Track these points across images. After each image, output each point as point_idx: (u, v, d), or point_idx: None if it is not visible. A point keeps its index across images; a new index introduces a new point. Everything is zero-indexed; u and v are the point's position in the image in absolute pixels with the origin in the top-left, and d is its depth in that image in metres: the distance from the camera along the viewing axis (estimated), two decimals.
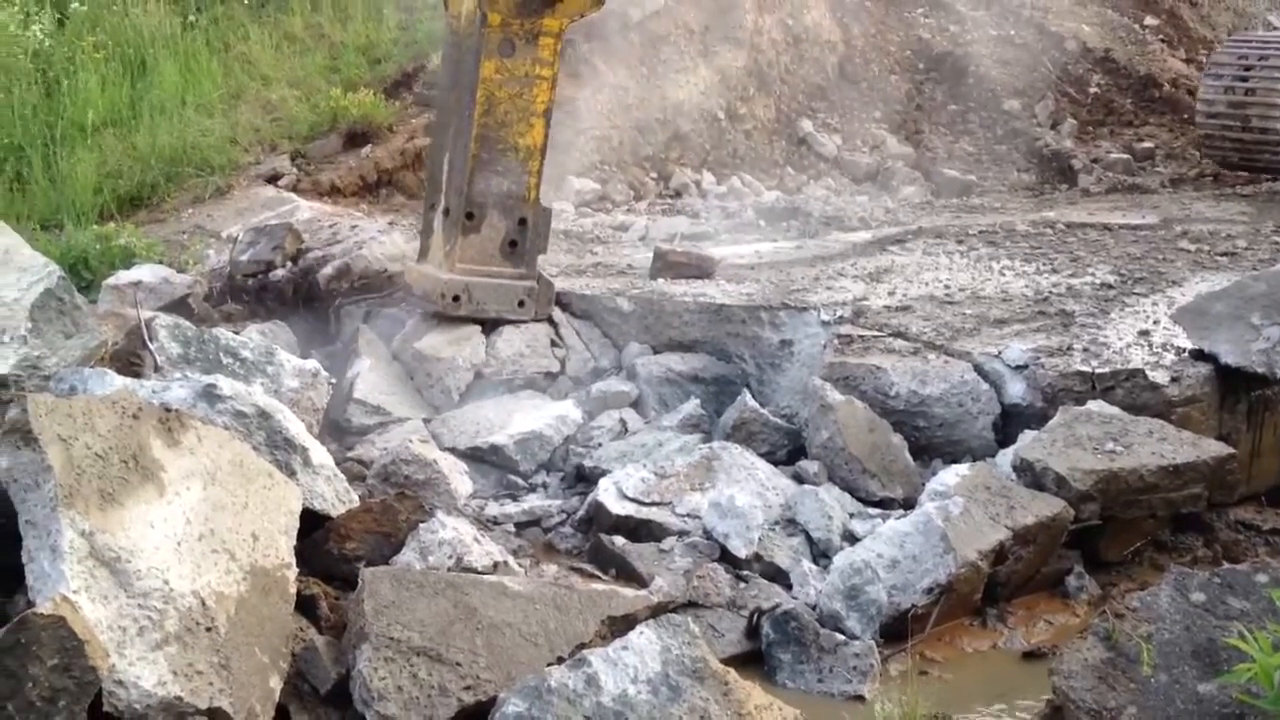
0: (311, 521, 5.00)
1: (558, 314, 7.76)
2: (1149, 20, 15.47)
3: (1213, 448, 5.93)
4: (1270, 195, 10.90)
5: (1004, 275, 8.20)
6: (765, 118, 12.81)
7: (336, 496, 5.24)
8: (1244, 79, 11.35)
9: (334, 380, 6.59)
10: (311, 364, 6.49)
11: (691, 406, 7.00)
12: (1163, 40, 15.18)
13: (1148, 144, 13.18)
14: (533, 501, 6.43)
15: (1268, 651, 3.27)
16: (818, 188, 12.12)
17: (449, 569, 4.95)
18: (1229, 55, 11.78)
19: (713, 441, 6.58)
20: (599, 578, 5.51)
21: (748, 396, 6.85)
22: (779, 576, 5.55)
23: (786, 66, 13.20)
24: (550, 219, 7.76)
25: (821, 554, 5.72)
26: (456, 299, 7.29)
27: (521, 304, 7.44)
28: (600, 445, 6.81)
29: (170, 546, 4.10)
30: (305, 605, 4.64)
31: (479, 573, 5.01)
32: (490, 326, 7.45)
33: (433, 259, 7.45)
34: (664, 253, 8.36)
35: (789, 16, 13.29)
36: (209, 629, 3.99)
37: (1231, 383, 6.40)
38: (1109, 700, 3.64)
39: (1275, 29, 16.70)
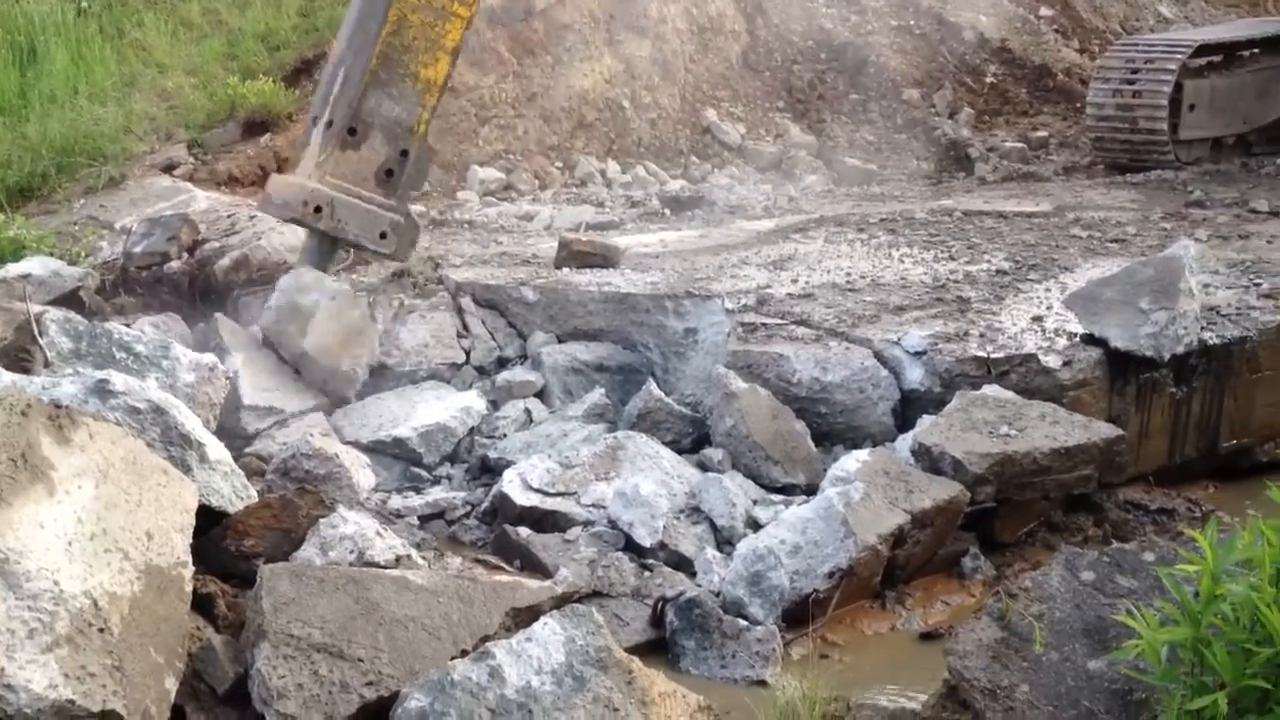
0: (209, 518, 4.92)
1: (464, 303, 7.72)
2: (1044, 11, 15.77)
3: (1102, 430, 6.08)
4: (1159, 183, 11.19)
5: (903, 263, 8.32)
6: (670, 107, 12.84)
7: (234, 492, 5.16)
8: (1131, 82, 11.65)
9: (230, 375, 6.46)
10: (209, 358, 6.36)
11: (596, 396, 7.01)
12: (1057, 31, 15.49)
13: (1042, 133, 13.45)
14: (437, 494, 6.39)
15: (1154, 628, 3.36)
16: (722, 176, 12.18)
17: (350, 564, 4.90)
18: (1116, 59, 12.09)
19: (618, 431, 6.60)
20: (504, 569, 5.49)
21: (652, 385, 6.88)
22: (683, 564, 5.59)
23: (691, 56, 13.24)
24: (430, 159, 7.58)
25: (726, 541, 5.77)
26: (319, 210, 7.01)
27: (384, 235, 7.21)
28: (505, 436, 6.80)
29: (61, 547, 4.00)
30: (202, 604, 4.57)
31: (381, 567, 4.97)
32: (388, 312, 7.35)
33: (302, 169, 7.13)
34: (569, 242, 8.36)
35: (693, 6, 13.32)
36: (101, 630, 3.91)
37: (1121, 366, 6.55)
38: (1002, 679, 3.72)
39: (1167, 19, 17.14)
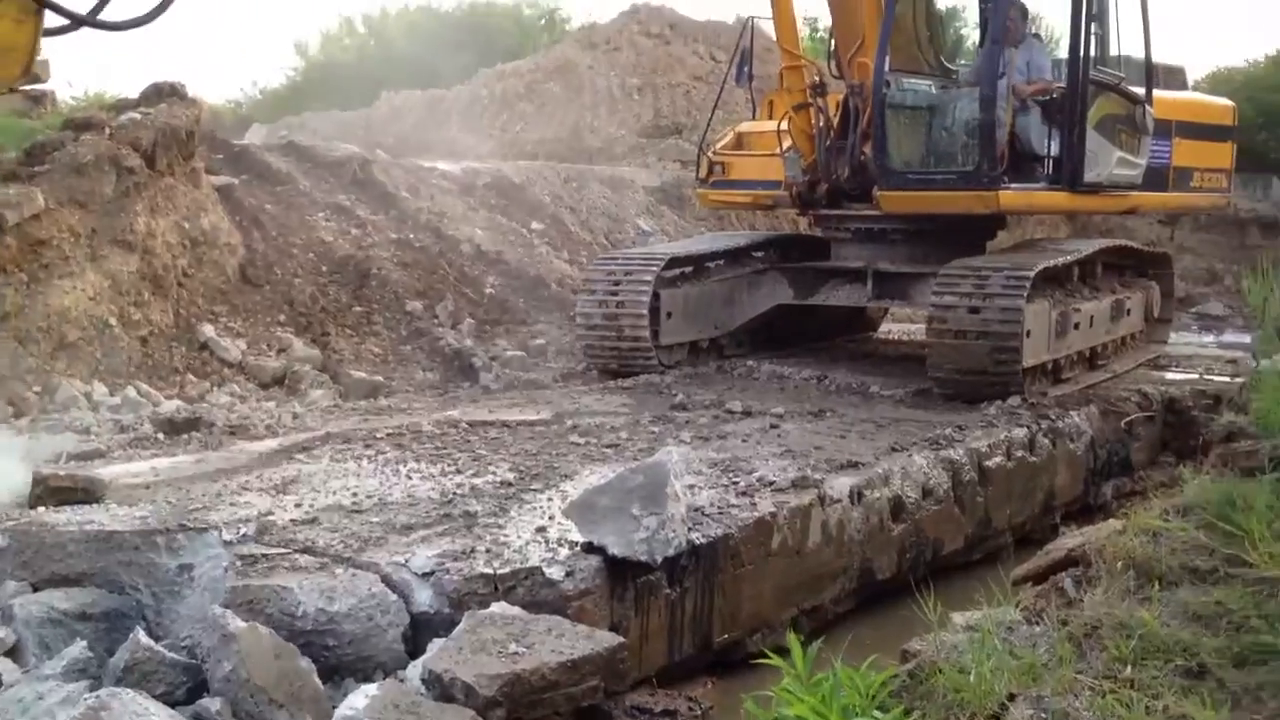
0: None
1: None
2: (535, 225, 16.78)
3: (605, 639, 6.20)
4: (647, 387, 11.97)
5: (410, 479, 8.29)
6: (163, 323, 12.29)
7: None
8: (614, 293, 12.55)
9: None
10: None
11: (78, 650, 6.34)
12: (548, 243, 16.50)
13: (540, 340, 14.12)
14: None
15: None
16: (222, 394, 11.74)
17: None
18: (599, 272, 13.01)
19: (102, 689, 5.99)
20: None
21: (140, 633, 6.32)
22: None
23: (184, 270, 12.82)
24: None
25: None
26: None
27: None
28: None
29: None
30: None
31: None
32: None
33: None
34: (44, 477, 7.67)
35: (184, 220, 12.96)
36: None
37: (620, 572, 6.76)
38: None
39: (645, 232, 18.72)
